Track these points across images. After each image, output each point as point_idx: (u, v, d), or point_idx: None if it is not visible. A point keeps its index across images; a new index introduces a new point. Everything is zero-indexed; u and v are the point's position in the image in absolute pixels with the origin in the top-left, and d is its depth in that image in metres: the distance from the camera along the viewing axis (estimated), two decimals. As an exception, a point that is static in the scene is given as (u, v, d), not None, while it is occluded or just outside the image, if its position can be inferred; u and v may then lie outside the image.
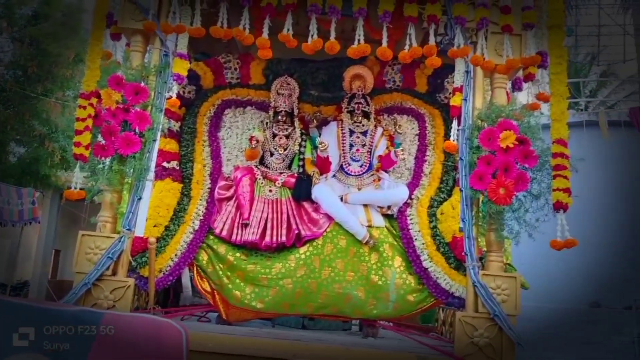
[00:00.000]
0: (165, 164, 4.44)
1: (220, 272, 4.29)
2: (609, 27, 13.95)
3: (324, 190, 4.44)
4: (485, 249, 3.82)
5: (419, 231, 4.29)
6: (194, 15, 3.96)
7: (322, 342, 3.75)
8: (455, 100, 3.89)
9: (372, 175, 4.63)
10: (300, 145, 4.77)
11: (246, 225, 4.33)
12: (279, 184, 4.58)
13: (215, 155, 4.76)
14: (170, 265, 4.17)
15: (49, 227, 12.44)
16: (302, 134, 4.78)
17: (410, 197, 4.47)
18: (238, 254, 4.33)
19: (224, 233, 4.33)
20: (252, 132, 4.72)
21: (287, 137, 4.73)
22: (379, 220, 4.42)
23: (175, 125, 4.64)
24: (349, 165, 4.65)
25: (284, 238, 4.30)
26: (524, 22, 3.88)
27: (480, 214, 3.71)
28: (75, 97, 9.38)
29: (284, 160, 4.74)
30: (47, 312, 2.80)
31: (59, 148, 10.49)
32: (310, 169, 4.67)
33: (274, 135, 4.72)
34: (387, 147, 4.65)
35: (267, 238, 4.30)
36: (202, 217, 4.40)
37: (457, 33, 3.85)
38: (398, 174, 4.71)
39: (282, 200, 4.51)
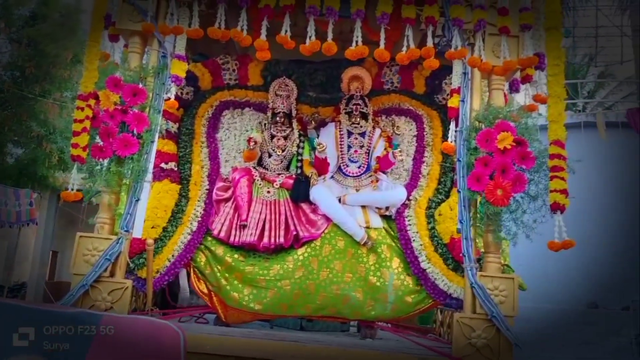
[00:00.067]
0: (163, 165, 4.45)
1: (218, 274, 4.28)
2: (607, 29, 14.01)
3: (322, 192, 4.44)
4: (483, 250, 3.82)
5: (417, 232, 4.30)
6: (192, 17, 3.96)
7: (320, 344, 3.75)
8: (453, 102, 3.89)
9: (370, 176, 4.64)
10: (298, 146, 4.77)
11: (244, 226, 4.33)
12: (277, 185, 4.58)
13: (213, 157, 4.76)
14: (166, 266, 4.17)
15: (46, 229, 12.38)
16: (300, 135, 4.78)
17: (408, 198, 4.48)
18: (236, 256, 4.33)
19: (222, 234, 4.32)
20: (250, 134, 4.72)
21: (285, 138, 4.72)
22: (377, 222, 4.43)
23: (173, 127, 4.64)
24: (347, 166, 4.65)
25: (282, 239, 4.30)
26: (521, 23, 3.88)
27: (478, 215, 3.72)
28: (73, 98, 9.37)
29: (282, 162, 4.74)
30: (47, 313, 2.81)
31: (56, 149, 10.46)
32: (309, 170, 4.66)
33: (272, 137, 4.72)
34: (385, 149, 4.64)
35: (265, 239, 4.30)
36: (200, 219, 4.40)
37: (454, 35, 3.85)
38: (396, 175, 4.72)
39: (280, 202, 4.50)
